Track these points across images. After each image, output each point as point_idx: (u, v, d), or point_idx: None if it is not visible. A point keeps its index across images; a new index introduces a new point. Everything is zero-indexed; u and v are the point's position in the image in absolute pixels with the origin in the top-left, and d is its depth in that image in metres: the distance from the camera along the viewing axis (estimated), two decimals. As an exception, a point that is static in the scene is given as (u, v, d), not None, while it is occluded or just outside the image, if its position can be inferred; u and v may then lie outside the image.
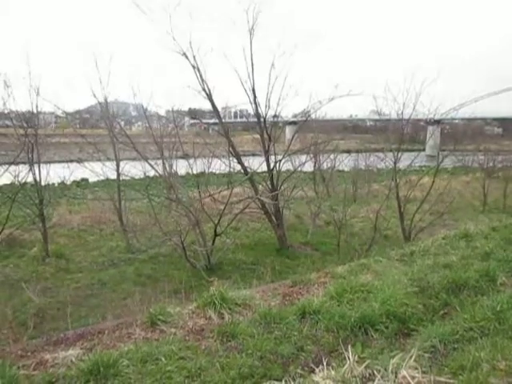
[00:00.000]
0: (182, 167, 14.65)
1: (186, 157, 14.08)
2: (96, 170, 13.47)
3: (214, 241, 11.78)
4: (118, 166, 13.43)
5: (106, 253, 12.46)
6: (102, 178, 13.95)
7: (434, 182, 14.93)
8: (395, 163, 14.23)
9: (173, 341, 4.01)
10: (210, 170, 13.97)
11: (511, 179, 25.31)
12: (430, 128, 47.56)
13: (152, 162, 12.61)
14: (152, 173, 13.38)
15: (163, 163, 12.23)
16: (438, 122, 50.59)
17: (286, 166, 16.03)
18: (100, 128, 20.22)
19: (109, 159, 13.65)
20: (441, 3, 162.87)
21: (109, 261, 11.77)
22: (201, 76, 12.46)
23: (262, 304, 5.02)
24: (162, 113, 21.40)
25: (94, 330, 4.48)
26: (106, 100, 13.61)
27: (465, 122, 60.78)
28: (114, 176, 13.82)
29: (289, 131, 26.14)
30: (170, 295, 8.85)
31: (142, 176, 13.98)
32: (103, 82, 12.98)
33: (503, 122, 77.54)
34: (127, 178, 13.97)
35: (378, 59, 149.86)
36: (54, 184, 15.70)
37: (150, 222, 12.91)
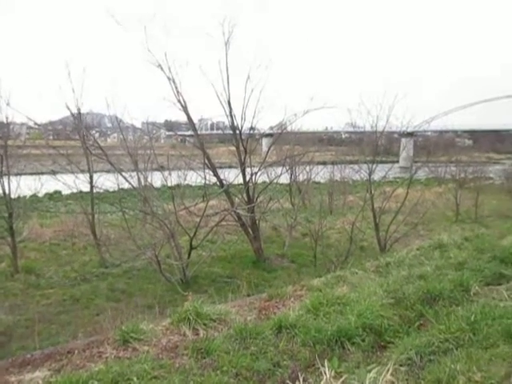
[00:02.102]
0: (157, 179, 14.51)
1: (161, 169, 13.95)
2: (69, 183, 13.17)
3: (189, 254, 11.64)
4: (91, 178, 13.17)
5: (79, 267, 12.14)
6: (75, 190, 13.65)
7: (407, 193, 15.19)
8: (370, 175, 14.43)
9: (145, 359, 3.87)
10: (186, 183, 13.85)
11: (482, 190, 26.07)
12: (404, 140, 48.70)
13: (127, 175, 12.43)
14: (127, 185, 13.18)
15: (138, 176, 12.06)
16: (411, 134, 51.71)
17: (262, 177, 16.07)
18: (73, 140, 19.84)
19: (82, 171, 13.39)
20: (413, 21, 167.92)
21: (81, 276, 11.47)
22: (176, 88, 12.43)
23: (237, 319, 4.93)
24: (138, 124, 21.23)
25: (64, 350, 4.29)
26: (79, 111, 13.40)
27: (437, 135, 62.50)
28: (87, 188, 13.54)
29: (265, 143, 26.30)
30: (144, 311, 8.63)
31: (116, 188, 13.75)
32: (76, 93, 12.79)
33: (473, 134, 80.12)
34: (101, 191, 13.71)
35: (355, 72, 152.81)
36: (25, 196, 15.26)
37: (124, 236, 12.68)
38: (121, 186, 14.14)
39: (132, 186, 12.36)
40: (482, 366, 3.00)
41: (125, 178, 12.08)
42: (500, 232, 9.94)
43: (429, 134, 62.83)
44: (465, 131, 79.10)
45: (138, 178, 12.11)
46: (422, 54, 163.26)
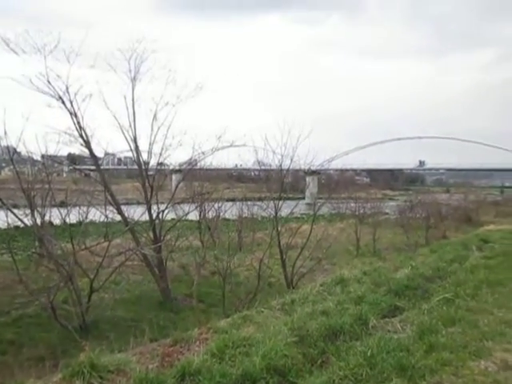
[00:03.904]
0: (57, 217, 13.51)
1: (62, 205, 13.07)
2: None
3: (89, 297, 10.83)
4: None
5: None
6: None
7: (311, 229, 15.81)
8: (276, 212, 14.83)
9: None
10: (90, 220, 13.08)
11: (379, 224, 28.07)
12: (308, 178, 51.15)
13: (21, 212, 11.42)
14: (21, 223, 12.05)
15: (32, 212, 11.10)
16: (315, 172, 54.63)
17: (171, 214, 15.74)
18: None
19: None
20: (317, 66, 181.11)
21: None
22: (78, 123, 11.87)
23: (138, 368, 4.60)
24: (39, 157, 19.80)
25: None
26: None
27: (338, 173, 66.68)
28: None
29: (175, 179, 25.95)
30: (37, 363, 7.80)
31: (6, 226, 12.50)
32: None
33: (370, 172, 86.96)
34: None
35: (262, 111, 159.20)
36: None
37: (15, 280, 11.47)
38: (15, 224, 12.91)
39: (24, 223, 11.34)
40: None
41: (15, 214, 11.06)
42: (395, 265, 10.65)
43: (331, 172, 66.86)
44: (363, 170, 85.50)
45: (33, 215, 11.13)
46: (326, 97, 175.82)
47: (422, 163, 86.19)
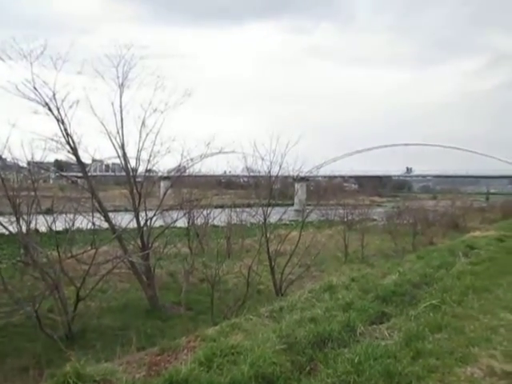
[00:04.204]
0: (43, 224, 13.36)
1: (48, 212, 12.92)
2: None
3: (76, 306, 10.68)
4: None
5: None
6: None
7: (300, 235, 15.84)
8: (265, 219, 14.83)
9: None
10: (77, 227, 12.95)
11: (367, 231, 28.22)
12: (297, 185, 51.37)
13: (5, 219, 11.27)
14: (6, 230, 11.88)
15: (17, 220, 10.96)
16: (303, 179, 54.89)
17: (159, 221, 15.65)
18: None
19: None
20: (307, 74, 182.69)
21: None
22: (65, 130, 11.76)
23: (124, 378, 4.55)
24: (25, 164, 19.56)
25: None
26: None
27: (327, 179, 67.12)
28: None
29: (163, 186, 25.85)
30: (21, 373, 7.66)
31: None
32: None
33: (358, 179, 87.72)
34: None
35: (250, 117, 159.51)
36: None
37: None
38: (0, 232, 12.72)
39: (9, 231, 11.18)
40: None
41: (-1, 222, 10.94)
42: (382, 271, 10.69)
43: (320, 178, 67.22)
44: (351, 176, 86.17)
45: (18, 223, 10.99)
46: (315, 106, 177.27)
47: (409, 170, 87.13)
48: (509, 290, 7.50)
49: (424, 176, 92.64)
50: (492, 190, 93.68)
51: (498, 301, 6.83)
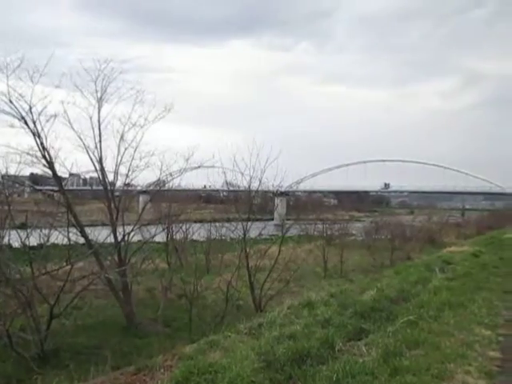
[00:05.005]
0: (17, 239, 13.00)
1: (22, 227, 12.60)
2: None
3: (49, 324, 10.36)
4: None
5: None
6: None
7: (280, 250, 15.83)
8: (244, 234, 14.79)
9: None
10: (52, 242, 12.64)
11: (346, 246, 28.43)
12: (277, 199, 51.54)
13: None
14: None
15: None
16: (283, 193, 55.20)
17: (137, 236, 15.43)
18: None
19: None
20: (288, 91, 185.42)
21: None
22: (42, 144, 11.54)
23: (98, 400, 4.44)
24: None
25: None
26: None
27: (306, 195, 67.68)
28: None
29: (142, 201, 25.58)
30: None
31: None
32: None
33: (337, 194, 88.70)
34: None
35: (232, 132, 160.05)
36: None
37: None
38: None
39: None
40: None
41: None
42: (361, 287, 10.77)
43: (300, 193, 67.74)
44: (331, 192, 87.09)
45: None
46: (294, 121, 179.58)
47: (386, 186, 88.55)
48: (483, 305, 7.64)
49: (401, 191, 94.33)
50: (467, 206, 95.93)
51: (473, 316, 6.94)
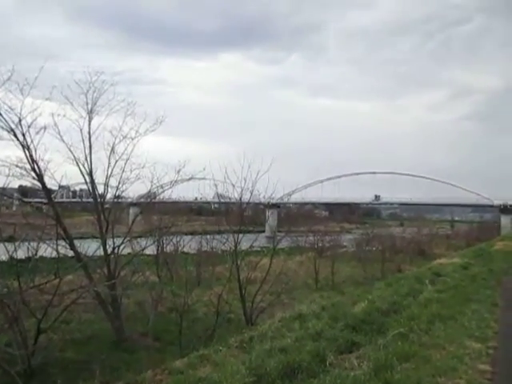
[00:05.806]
0: (4, 253, 12.83)
1: (10, 240, 12.43)
2: None
3: (36, 339, 10.19)
4: None
5: None
6: None
7: (271, 263, 15.80)
8: (236, 246, 14.74)
9: None
10: (40, 255, 12.48)
11: (337, 258, 28.46)
12: (268, 211, 51.60)
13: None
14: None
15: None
16: (275, 205, 55.25)
17: (127, 249, 15.30)
18: None
19: None
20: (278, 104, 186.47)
21: None
22: (31, 156, 11.47)
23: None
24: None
25: None
26: None
27: (297, 206, 67.72)
28: None
29: (132, 213, 25.44)
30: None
31: None
32: None
33: (328, 206, 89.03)
34: None
35: (225, 144, 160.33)
36: None
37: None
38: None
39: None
40: None
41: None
42: (352, 299, 10.74)
43: (291, 205, 67.81)
44: (322, 203, 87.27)
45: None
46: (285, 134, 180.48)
47: (377, 197, 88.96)
48: (473, 318, 7.66)
49: (391, 203, 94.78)
50: (456, 218, 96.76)
51: (464, 329, 6.95)
